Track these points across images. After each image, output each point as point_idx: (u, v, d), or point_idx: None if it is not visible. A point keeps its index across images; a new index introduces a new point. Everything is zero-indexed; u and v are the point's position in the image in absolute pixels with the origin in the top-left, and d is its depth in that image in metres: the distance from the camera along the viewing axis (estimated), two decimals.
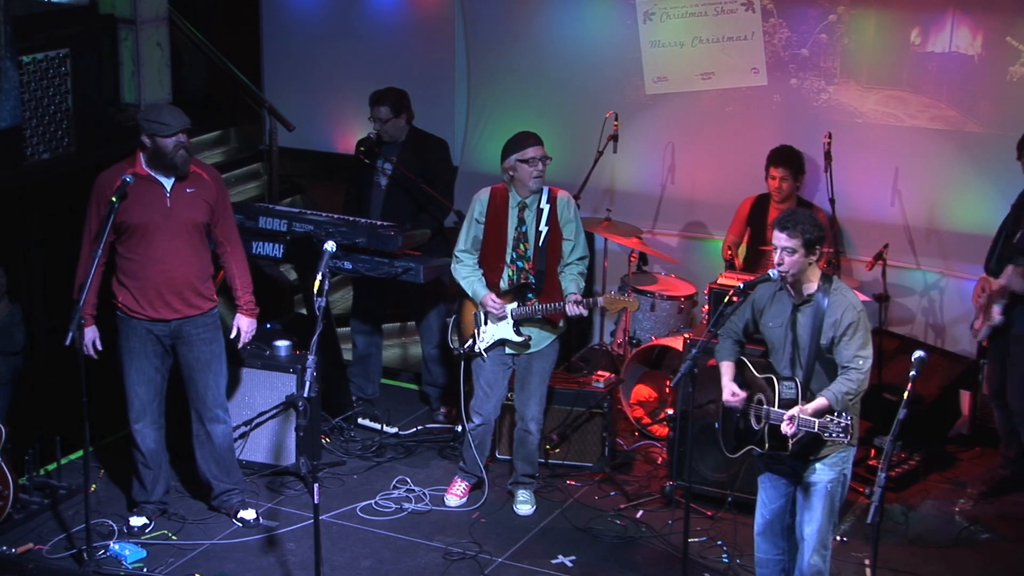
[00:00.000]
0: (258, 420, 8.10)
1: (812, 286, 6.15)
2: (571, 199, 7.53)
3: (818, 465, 6.17)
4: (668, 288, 9.17)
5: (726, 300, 6.37)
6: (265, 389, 8.08)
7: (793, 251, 6.08)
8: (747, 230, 9.11)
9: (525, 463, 7.74)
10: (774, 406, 6.14)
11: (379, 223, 8.41)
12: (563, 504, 7.90)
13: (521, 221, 7.44)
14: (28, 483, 7.68)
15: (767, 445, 6.20)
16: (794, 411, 6.01)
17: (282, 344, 8.16)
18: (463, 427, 7.81)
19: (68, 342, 6.53)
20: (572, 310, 7.33)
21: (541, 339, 7.55)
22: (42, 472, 7.83)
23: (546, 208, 7.44)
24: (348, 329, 9.17)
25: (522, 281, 7.46)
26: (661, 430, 8.56)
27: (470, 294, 7.54)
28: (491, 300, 7.45)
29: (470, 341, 7.55)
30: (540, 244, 7.42)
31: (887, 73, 9.16)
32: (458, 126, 10.57)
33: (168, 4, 9.70)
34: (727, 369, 6.47)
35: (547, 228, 7.43)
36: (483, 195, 7.54)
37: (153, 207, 7.06)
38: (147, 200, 7.04)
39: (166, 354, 7.32)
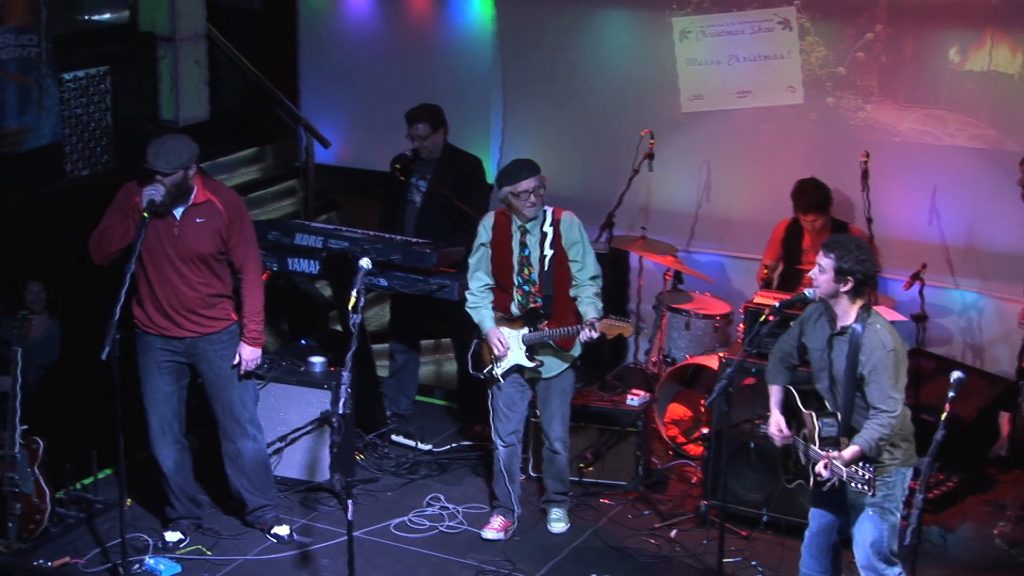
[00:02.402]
0: (292, 436, 8.11)
1: (848, 317, 6.09)
2: (575, 219, 7.38)
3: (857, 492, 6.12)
4: (703, 307, 9.14)
5: (762, 319, 6.34)
6: (300, 405, 8.10)
7: (823, 270, 6.06)
8: (782, 252, 9.06)
9: (556, 481, 7.73)
10: (815, 443, 6.11)
11: (414, 240, 8.43)
12: (597, 523, 7.87)
13: (523, 245, 7.36)
14: (65, 497, 7.72)
15: (811, 482, 6.18)
16: (829, 457, 5.97)
17: (317, 360, 8.18)
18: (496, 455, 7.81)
19: (104, 356, 6.54)
20: (585, 335, 7.21)
21: (554, 365, 7.46)
22: (78, 486, 7.87)
23: (549, 231, 7.35)
24: (384, 346, 9.18)
25: (531, 306, 7.40)
26: (696, 449, 8.51)
27: (478, 324, 7.49)
28: (496, 339, 7.40)
29: (488, 367, 7.52)
30: (545, 268, 7.35)
31: (925, 91, 9.11)
32: (493, 144, 10.58)
33: (206, 22, 9.76)
34: (775, 396, 6.42)
35: (551, 251, 7.34)
36: (487, 220, 7.47)
37: (162, 234, 7.07)
38: (157, 226, 7.04)
39: (181, 372, 7.32)
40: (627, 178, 9.29)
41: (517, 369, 7.47)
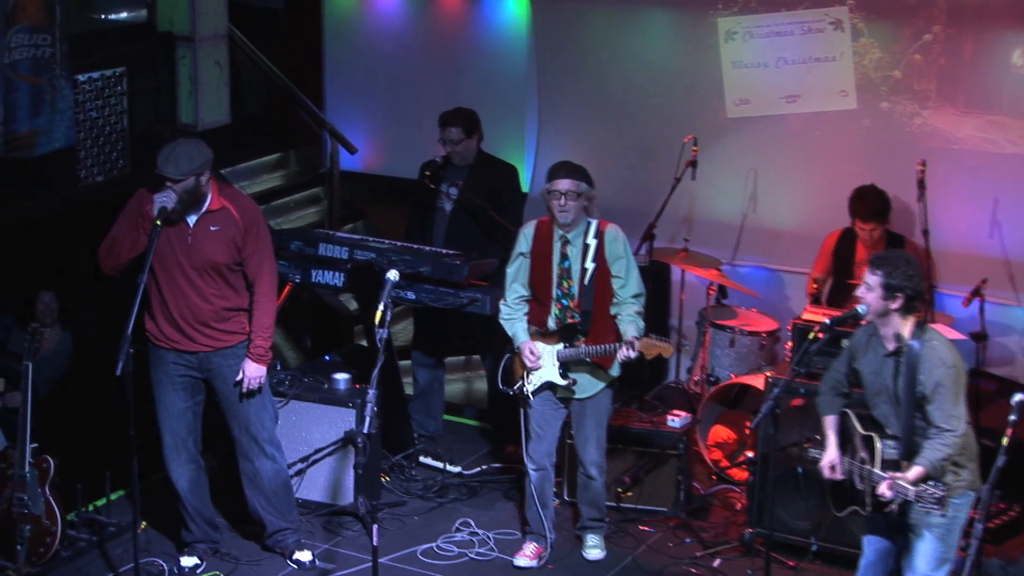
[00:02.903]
0: (315, 457, 8.12)
1: (902, 336, 6.06)
2: (620, 233, 7.34)
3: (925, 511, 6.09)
4: (749, 323, 9.11)
5: (811, 337, 6.32)
6: (323, 424, 8.11)
7: (870, 288, 6.04)
8: (833, 266, 9.03)
9: (591, 507, 7.70)
10: (875, 466, 6.08)
11: (444, 251, 8.44)
12: (635, 551, 7.85)
13: (564, 256, 7.32)
14: (76, 519, 7.75)
15: (869, 507, 6.15)
16: (893, 477, 5.95)
17: (341, 377, 8.19)
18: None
19: (118, 372, 6.56)
20: (623, 354, 7.15)
21: (589, 385, 7.41)
22: (90, 508, 7.90)
23: (593, 243, 7.29)
24: (410, 362, 9.19)
25: (569, 320, 7.36)
26: (740, 474, 8.49)
27: (511, 337, 7.47)
28: (528, 350, 7.36)
29: (519, 383, 7.50)
30: (586, 282, 7.30)
31: (986, 96, 9.07)
32: (528, 151, 10.59)
33: (228, 21, 9.80)
34: (831, 430, 6.40)
35: (594, 265, 7.29)
36: (528, 228, 7.44)
37: (175, 242, 7.07)
38: (171, 234, 7.05)
39: (196, 388, 7.33)
40: (669, 187, 9.27)
41: (549, 387, 7.44)
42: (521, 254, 7.42)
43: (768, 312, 9.38)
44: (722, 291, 9.31)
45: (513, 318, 7.45)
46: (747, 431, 8.54)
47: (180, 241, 7.08)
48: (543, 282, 7.37)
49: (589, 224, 7.31)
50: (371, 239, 8.74)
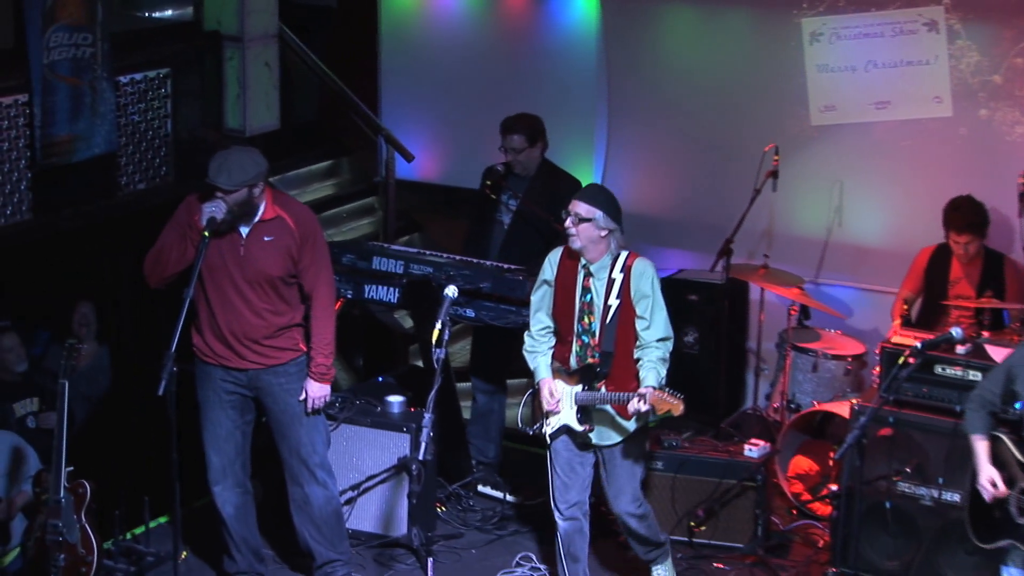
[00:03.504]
0: (366, 484, 8.14)
1: None
2: (649, 269, 7.08)
3: None
4: (833, 346, 9.07)
5: (901, 361, 6.28)
6: (375, 450, 8.13)
7: None
8: (924, 285, 8.97)
9: (641, 545, 7.46)
10: None
11: (506, 266, 8.44)
12: None
13: (586, 289, 7.09)
14: (113, 548, 7.80)
15: None
16: None
17: (395, 400, 8.21)
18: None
19: (161, 392, 6.58)
20: (633, 406, 6.82)
21: (606, 434, 7.14)
22: (128, 536, 7.95)
23: (619, 278, 7.04)
24: (468, 385, 9.20)
25: (588, 360, 7.11)
26: (823, 508, 8.43)
27: (533, 372, 7.31)
28: (547, 389, 7.16)
29: (539, 423, 7.31)
30: (608, 320, 7.04)
31: None
32: (597, 159, 10.59)
33: (278, 20, 9.87)
34: (982, 448, 6.33)
35: (618, 302, 7.03)
36: (554, 255, 7.24)
37: (226, 253, 7.10)
38: (222, 243, 7.08)
39: (246, 407, 7.35)
40: (747, 199, 9.24)
41: (567, 431, 7.23)
42: (545, 282, 7.24)
43: (854, 334, 9.34)
44: (804, 311, 9.27)
45: (536, 351, 7.27)
46: (831, 462, 8.48)
47: (232, 252, 7.11)
48: (565, 315, 7.17)
49: (617, 257, 7.08)
50: (428, 252, 8.76)
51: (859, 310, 9.77)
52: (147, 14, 10.14)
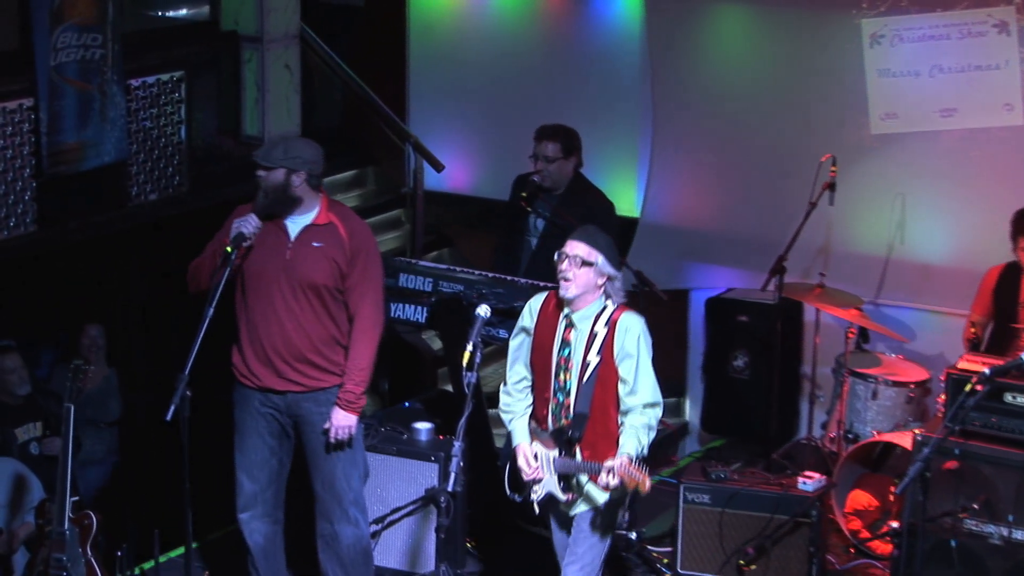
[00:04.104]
0: (392, 517, 8.14)
1: None
2: (637, 325, 6.67)
3: None
4: (894, 372, 9.04)
5: (968, 389, 6.25)
6: (401, 480, 8.14)
7: None
8: (993, 306, 8.94)
9: None
10: None
11: (542, 284, 8.44)
12: None
13: (565, 342, 6.73)
14: None
15: None
16: None
17: (423, 427, 8.21)
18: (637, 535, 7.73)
19: (169, 417, 6.59)
20: (602, 480, 6.48)
21: (579, 503, 6.81)
22: (137, 572, 7.98)
23: (601, 332, 6.66)
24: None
25: (562, 422, 6.74)
26: (883, 547, 8.41)
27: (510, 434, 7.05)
28: (522, 455, 6.82)
29: (527, 490, 6.99)
30: (585, 379, 6.66)
31: None
32: (640, 171, 10.59)
33: (300, 20, 9.90)
34: None
35: (598, 359, 6.65)
36: (536, 301, 6.85)
37: (271, 256, 7.12)
38: (267, 247, 7.11)
39: (284, 434, 7.36)
40: (802, 213, 9.22)
41: (552, 499, 6.92)
42: (524, 329, 6.87)
43: (917, 359, 9.32)
44: (863, 334, 9.24)
45: (512, 411, 6.93)
46: (891, 497, 8.46)
47: (277, 256, 7.12)
48: (542, 369, 6.82)
49: (604, 308, 6.70)
50: (458, 269, 8.76)
51: (922, 333, 9.74)
52: (161, 13, 10.19)
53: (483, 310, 6.77)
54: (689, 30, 10.31)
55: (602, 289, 6.68)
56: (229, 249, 6.89)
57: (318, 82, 11.27)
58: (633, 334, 6.65)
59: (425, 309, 8.47)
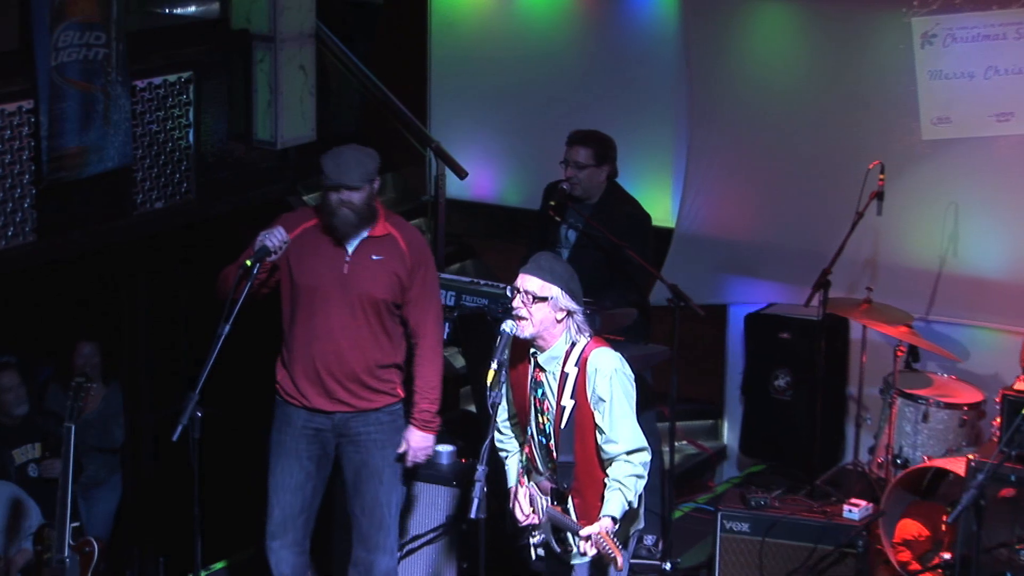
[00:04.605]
0: (411, 546, 8.15)
1: None
2: (610, 363, 6.44)
3: None
4: (947, 393, 9.04)
5: None
6: (421, 506, 8.14)
7: None
8: None
9: None
10: None
11: None
12: None
13: (537, 383, 6.60)
14: None
15: None
16: None
17: (444, 450, 8.21)
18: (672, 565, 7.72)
19: (175, 437, 6.58)
20: (581, 547, 6.37)
21: (575, 555, 6.66)
22: None
23: (572, 373, 6.46)
24: None
25: (549, 467, 6.64)
26: None
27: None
28: (516, 498, 6.78)
29: (525, 535, 6.95)
30: (564, 424, 6.49)
31: None
32: (676, 177, 10.58)
33: (316, 18, 9.92)
34: None
35: (572, 402, 6.46)
36: (510, 325, 6.55)
37: (327, 270, 7.12)
38: (322, 260, 7.12)
39: (324, 457, 7.35)
40: (848, 224, 9.21)
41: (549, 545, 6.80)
42: (501, 363, 6.52)
43: (970, 380, 9.31)
44: (913, 353, 9.24)
45: (506, 450, 6.86)
46: (943, 527, 8.44)
47: (334, 270, 7.13)
48: (521, 408, 6.72)
49: (573, 345, 6.50)
50: (483, 282, 8.77)
51: (976, 352, 9.72)
52: (168, 11, 10.21)
53: (509, 326, 6.76)
54: (729, 29, 10.31)
55: (563, 324, 6.47)
56: (249, 263, 6.88)
57: (334, 84, 11.29)
58: (604, 375, 6.43)
59: (447, 324, 8.47)
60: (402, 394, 7.38)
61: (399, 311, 7.25)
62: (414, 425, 7.34)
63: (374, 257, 7.15)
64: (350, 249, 7.14)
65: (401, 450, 7.34)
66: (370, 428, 7.29)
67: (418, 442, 7.35)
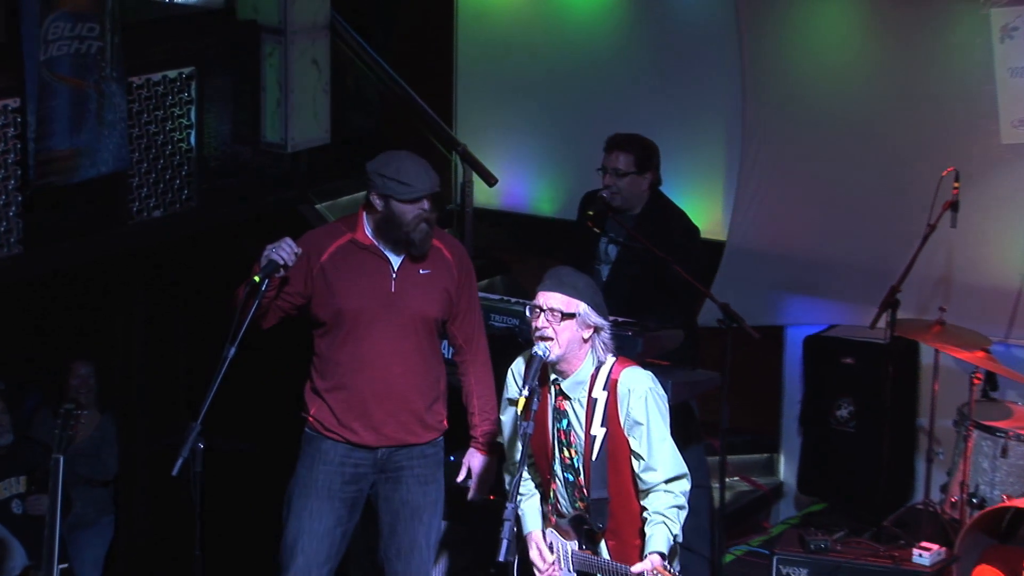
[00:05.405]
0: None
1: None
2: (644, 383, 6.43)
3: None
4: None
5: None
6: (445, 546, 8.13)
7: None
8: None
9: None
10: None
11: (611, 319, 8.41)
12: None
13: (560, 413, 6.55)
14: None
15: None
16: None
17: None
18: None
19: (176, 472, 6.56)
20: None
21: None
22: None
23: (602, 397, 6.42)
24: None
25: (578, 506, 6.57)
26: None
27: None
28: (534, 550, 6.70)
29: None
30: (595, 456, 6.43)
31: None
32: (728, 186, 10.57)
33: (330, 9, 9.93)
34: None
35: (604, 430, 6.40)
36: (519, 364, 6.67)
37: (373, 290, 7.06)
38: (366, 280, 7.06)
39: (359, 502, 7.28)
40: (919, 238, 9.18)
41: None
42: (510, 401, 6.67)
43: None
44: (991, 380, 9.21)
45: (521, 492, 6.69)
46: None
47: (379, 287, 7.08)
48: (540, 446, 6.63)
49: (599, 367, 6.48)
50: (513, 300, 8.76)
51: None
52: (168, 0, 10.25)
53: (541, 348, 6.73)
54: (787, 24, 10.31)
55: (589, 344, 6.43)
56: (257, 279, 6.81)
57: (351, 81, 11.29)
58: (638, 395, 6.39)
59: None
60: (446, 426, 7.35)
61: (441, 326, 7.25)
62: (476, 448, 7.34)
63: (422, 272, 7.12)
64: (395, 265, 7.09)
65: (461, 476, 7.33)
66: (416, 463, 7.24)
67: (480, 465, 7.34)
